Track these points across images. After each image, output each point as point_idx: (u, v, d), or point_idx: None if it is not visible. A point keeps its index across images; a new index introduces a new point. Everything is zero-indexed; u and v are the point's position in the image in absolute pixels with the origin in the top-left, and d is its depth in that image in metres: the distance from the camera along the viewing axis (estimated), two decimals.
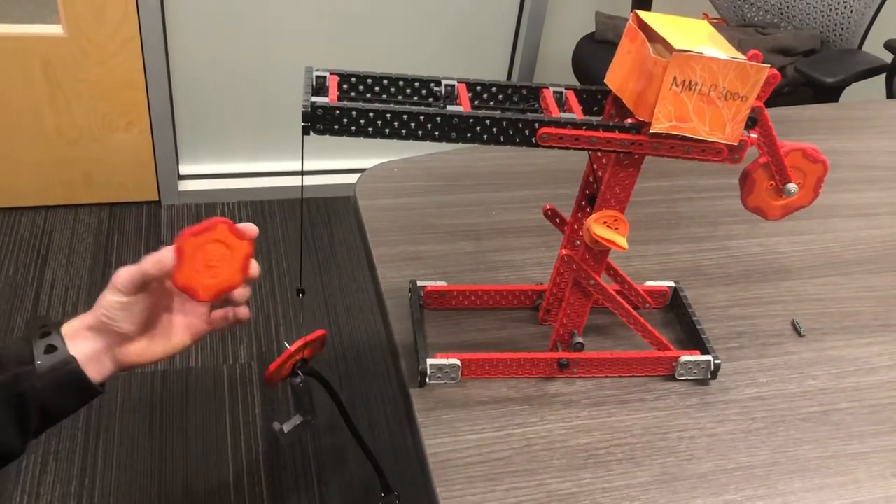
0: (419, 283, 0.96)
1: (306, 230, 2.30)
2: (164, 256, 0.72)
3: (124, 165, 2.24)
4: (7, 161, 2.15)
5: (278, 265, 2.14)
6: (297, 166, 2.44)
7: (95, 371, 0.74)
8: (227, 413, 1.72)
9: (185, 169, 2.37)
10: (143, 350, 0.77)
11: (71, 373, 0.72)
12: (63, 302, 1.94)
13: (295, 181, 2.42)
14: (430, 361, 0.85)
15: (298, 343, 0.81)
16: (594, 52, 2.14)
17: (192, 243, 0.73)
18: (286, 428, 0.85)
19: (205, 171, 2.39)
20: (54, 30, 2.01)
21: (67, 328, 0.75)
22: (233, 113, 2.32)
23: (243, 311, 0.82)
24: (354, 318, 2.01)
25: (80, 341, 0.74)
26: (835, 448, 0.85)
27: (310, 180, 2.44)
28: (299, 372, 0.83)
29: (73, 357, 0.73)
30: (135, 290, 0.73)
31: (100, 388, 0.75)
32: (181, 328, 0.80)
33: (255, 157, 2.42)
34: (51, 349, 0.72)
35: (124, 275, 0.73)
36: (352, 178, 1.19)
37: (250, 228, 0.76)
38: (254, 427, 1.69)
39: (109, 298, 0.73)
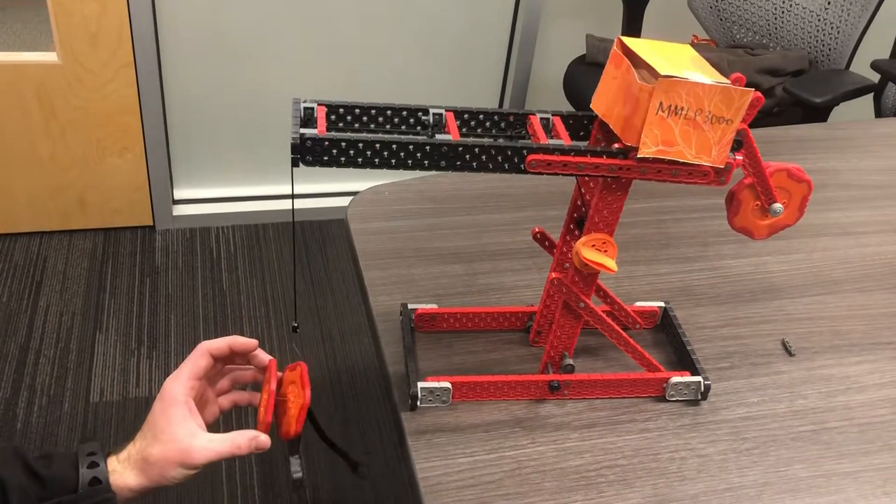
0: (410, 306, 0.96)
1: (300, 253, 2.31)
2: (262, 444, 0.77)
3: (119, 191, 2.25)
4: (1, 187, 2.16)
5: (272, 289, 2.14)
6: (290, 190, 2.45)
7: (122, 501, 0.77)
8: None
9: (179, 194, 2.38)
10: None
11: None
12: (57, 328, 1.94)
13: (289, 204, 2.43)
14: (420, 385, 0.85)
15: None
16: (585, 74, 2.16)
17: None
18: (301, 472, 0.81)
19: (199, 195, 2.40)
20: (49, 57, 2.02)
21: (117, 479, 0.75)
22: (226, 138, 2.33)
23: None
24: (349, 341, 2.02)
25: (126, 495, 0.76)
26: (826, 467, 0.86)
27: (303, 204, 2.45)
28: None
29: (113, 495, 0.74)
30: None
31: None
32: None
33: (248, 182, 2.43)
34: (95, 482, 0.74)
35: (211, 457, 0.75)
36: (345, 201, 1.20)
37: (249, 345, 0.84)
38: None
39: (183, 473, 0.75)
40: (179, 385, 0.78)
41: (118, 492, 0.75)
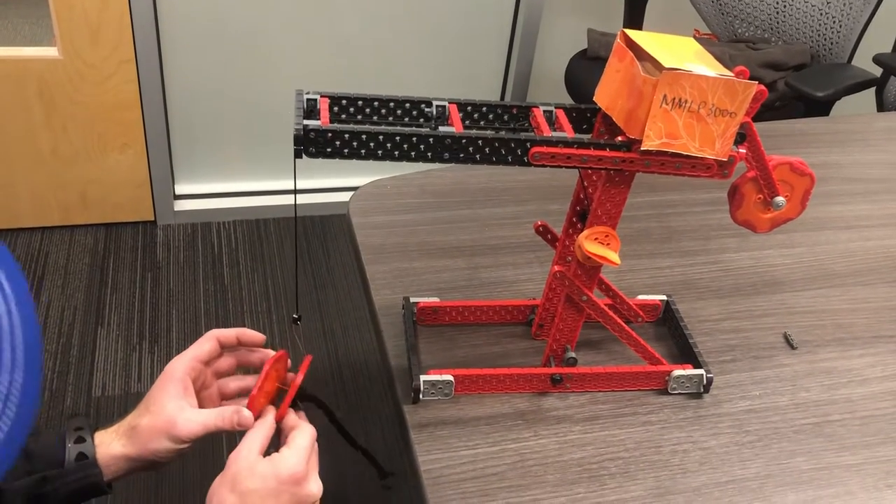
0: (412, 300, 0.96)
1: (302, 247, 2.31)
2: (244, 420, 0.75)
3: (120, 186, 2.25)
4: (3, 183, 2.16)
5: (274, 285, 2.14)
6: (292, 185, 2.45)
7: (110, 476, 0.77)
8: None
9: (180, 189, 2.38)
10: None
11: (93, 484, 0.75)
12: (59, 323, 1.94)
13: (290, 200, 2.43)
14: (423, 378, 0.85)
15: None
16: (587, 68, 2.16)
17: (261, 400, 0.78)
18: None
19: (200, 190, 2.40)
20: (50, 52, 2.02)
21: (104, 450, 0.76)
22: (228, 133, 2.33)
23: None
24: (351, 335, 2.02)
25: (112, 467, 0.76)
26: (828, 460, 0.86)
27: (305, 199, 2.45)
28: (299, 402, 0.81)
29: (99, 471, 0.75)
30: None
31: (108, 489, 0.77)
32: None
33: (250, 177, 2.43)
34: (81, 457, 0.75)
35: (196, 429, 0.75)
36: (346, 196, 1.20)
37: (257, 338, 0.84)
38: None
39: (168, 446, 0.75)
40: (181, 363, 0.79)
41: (104, 463, 0.75)
